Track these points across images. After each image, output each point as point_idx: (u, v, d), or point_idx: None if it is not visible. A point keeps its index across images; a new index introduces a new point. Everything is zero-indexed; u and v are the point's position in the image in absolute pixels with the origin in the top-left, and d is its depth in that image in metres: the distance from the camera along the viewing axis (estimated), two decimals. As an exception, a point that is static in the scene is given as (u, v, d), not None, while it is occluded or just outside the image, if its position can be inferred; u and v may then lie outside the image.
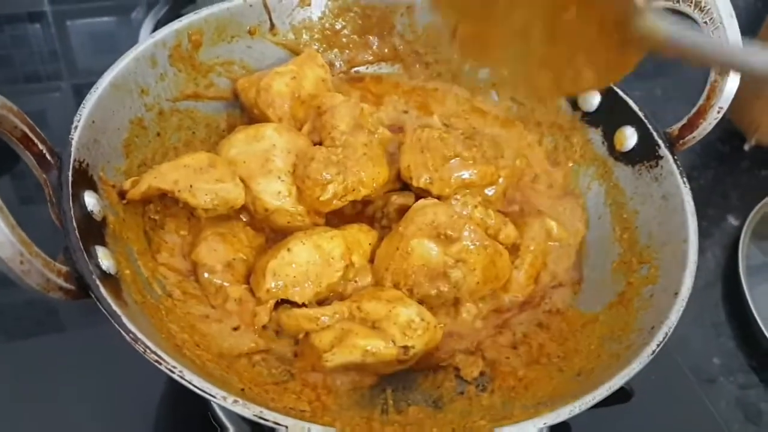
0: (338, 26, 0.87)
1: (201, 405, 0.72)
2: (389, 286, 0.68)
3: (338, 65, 0.89)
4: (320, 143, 0.74)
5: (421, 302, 0.67)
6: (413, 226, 0.68)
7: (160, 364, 0.50)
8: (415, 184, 0.73)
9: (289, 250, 0.66)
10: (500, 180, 0.76)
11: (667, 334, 0.58)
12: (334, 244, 0.68)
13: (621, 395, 0.72)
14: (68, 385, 0.73)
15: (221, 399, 0.49)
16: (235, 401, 0.49)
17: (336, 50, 0.88)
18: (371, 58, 0.89)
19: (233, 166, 0.70)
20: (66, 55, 1.19)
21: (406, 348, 0.63)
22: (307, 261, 0.66)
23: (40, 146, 0.58)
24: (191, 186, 0.66)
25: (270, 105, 0.77)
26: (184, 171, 0.67)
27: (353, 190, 0.70)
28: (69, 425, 0.72)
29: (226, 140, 0.74)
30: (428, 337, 0.64)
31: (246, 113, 0.81)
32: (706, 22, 0.69)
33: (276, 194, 0.70)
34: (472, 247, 0.67)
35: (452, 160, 0.72)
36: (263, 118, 0.77)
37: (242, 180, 0.70)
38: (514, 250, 0.73)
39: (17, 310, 0.81)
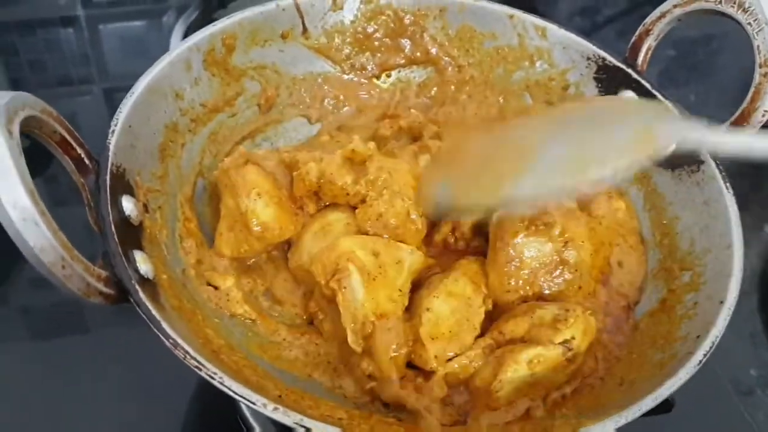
0: (370, 29, 0.87)
1: (230, 407, 0.72)
2: (518, 304, 0.66)
3: (370, 68, 0.88)
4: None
5: None
6: (507, 235, 0.66)
7: (200, 369, 0.49)
8: None
9: (428, 310, 0.63)
10: None
11: (714, 343, 0.57)
12: (462, 285, 0.65)
13: (662, 406, 0.71)
14: (95, 385, 0.74)
15: (261, 406, 0.48)
16: (275, 408, 0.48)
17: (368, 53, 0.88)
18: (403, 61, 0.89)
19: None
20: (98, 59, 1.20)
21: (566, 342, 0.60)
22: (452, 311, 0.63)
23: (79, 150, 0.58)
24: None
25: (282, 234, 0.70)
26: None
27: (408, 212, 0.68)
28: (96, 425, 0.72)
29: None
30: (583, 325, 0.62)
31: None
32: (750, 24, 0.68)
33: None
34: (570, 223, 0.66)
35: None
36: (282, 245, 0.73)
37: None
38: None
39: (45, 311, 0.81)
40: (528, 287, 0.66)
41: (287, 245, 0.72)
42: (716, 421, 0.80)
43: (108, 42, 1.24)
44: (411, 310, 0.64)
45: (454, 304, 0.64)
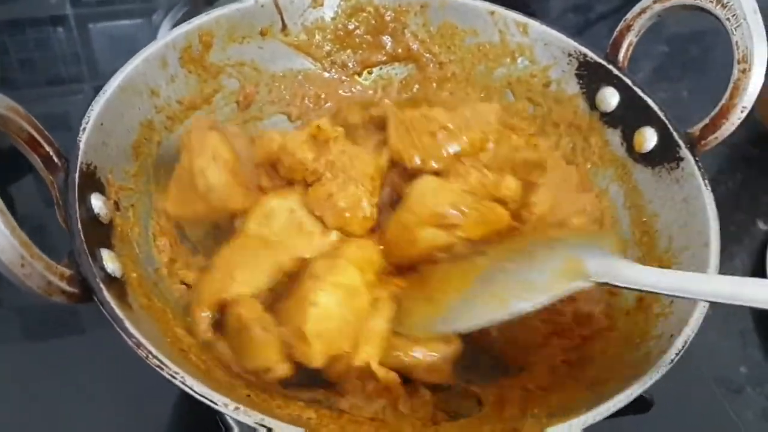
0: (351, 26, 0.86)
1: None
2: None
3: (351, 65, 0.88)
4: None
5: None
6: (414, 216, 0.67)
7: (162, 369, 0.49)
8: (408, 165, 0.71)
9: (315, 305, 0.61)
10: (490, 145, 0.74)
11: (686, 342, 0.56)
12: (350, 275, 0.63)
13: (640, 405, 0.70)
14: (90, 386, 0.74)
15: (222, 406, 0.48)
16: (236, 408, 0.48)
17: (349, 51, 0.87)
18: (385, 58, 0.88)
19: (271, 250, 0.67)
20: (88, 58, 1.20)
21: None
22: (339, 304, 0.62)
23: (47, 148, 0.58)
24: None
25: (227, 201, 0.70)
26: (218, 276, 0.65)
27: (359, 199, 0.69)
28: (89, 425, 0.72)
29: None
30: None
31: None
32: (728, 19, 0.67)
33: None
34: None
35: (439, 135, 0.71)
36: (226, 215, 0.72)
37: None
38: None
39: (39, 311, 0.81)
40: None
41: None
42: (699, 420, 0.79)
43: (98, 41, 1.24)
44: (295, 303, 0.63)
45: (340, 297, 0.62)
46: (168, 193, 0.71)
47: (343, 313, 0.61)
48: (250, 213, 0.69)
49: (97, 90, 1.05)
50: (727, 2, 0.66)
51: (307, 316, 0.60)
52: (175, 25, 1.13)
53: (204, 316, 0.62)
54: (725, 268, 0.62)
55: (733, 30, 0.66)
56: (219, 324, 0.64)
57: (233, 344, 0.62)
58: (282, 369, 0.60)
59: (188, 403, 0.73)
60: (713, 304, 0.58)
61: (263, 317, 0.61)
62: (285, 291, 0.66)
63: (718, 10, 0.67)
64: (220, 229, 0.72)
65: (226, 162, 0.70)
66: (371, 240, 0.69)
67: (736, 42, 0.66)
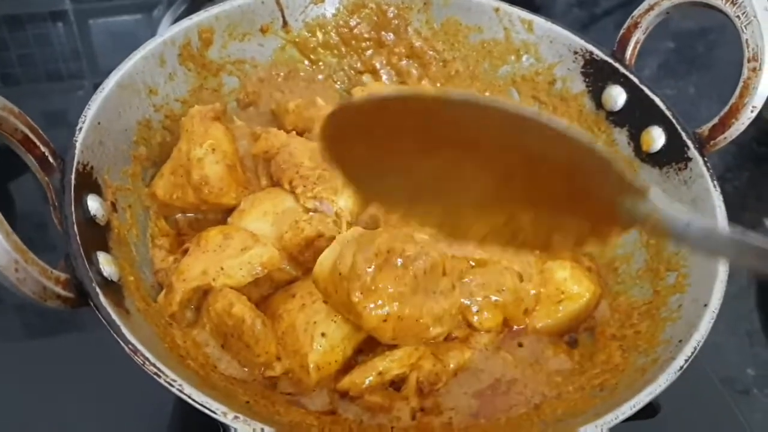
0: (353, 23, 0.85)
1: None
2: None
3: (354, 64, 0.86)
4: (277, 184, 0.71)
5: None
6: None
7: (159, 377, 0.48)
8: None
9: (323, 335, 0.59)
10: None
11: (696, 348, 0.55)
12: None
13: (647, 410, 0.69)
14: (88, 384, 0.72)
15: (221, 415, 0.47)
16: (236, 417, 0.47)
17: (350, 48, 0.86)
18: (387, 55, 0.87)
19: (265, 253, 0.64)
20: (88, 54, 1.19)
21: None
22: (343, 338, 0.60)
23: (42, 148, 0.57)
24: (222, 268, 0.61)
25: (219, 195, 0.69)
26: (204, 257, 0.62)
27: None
28: (87, 423, 0.71)
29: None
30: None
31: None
32: (738, 17, 0.66)
33: None
34: None
35: None
36: (217, 208, 0.71)
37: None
38: None
39: (39, 309, 0.80)
40: None
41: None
42: (707, 422, 0.78)
43: (98, 37, 1.23)
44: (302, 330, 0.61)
45: (348, 325, 0.61)
46: (160, 178, 0.70)
47: (344, 347, 0.60)
48: (249, 208, 0.68)
49: (98, 87, 1.04)
50: (738, 0, 0.65)
51: (314, 345, 0.59)
52: (175, 21, 1.12)
53: (182, 291, 0.61)
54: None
55: (743, 28, 0.65)
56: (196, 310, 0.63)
57: (224, 341, 0.61)
58: (281, 366, 0.59)
59: (185, 404, 0.72)
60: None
61: (259, 314, 0.60)
62: (270, 295, 0.65)
63: (727, 8, 0.66)
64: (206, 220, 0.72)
65: (225, 155, 0.69)
66: None
67: (746, 40, 0.65)
